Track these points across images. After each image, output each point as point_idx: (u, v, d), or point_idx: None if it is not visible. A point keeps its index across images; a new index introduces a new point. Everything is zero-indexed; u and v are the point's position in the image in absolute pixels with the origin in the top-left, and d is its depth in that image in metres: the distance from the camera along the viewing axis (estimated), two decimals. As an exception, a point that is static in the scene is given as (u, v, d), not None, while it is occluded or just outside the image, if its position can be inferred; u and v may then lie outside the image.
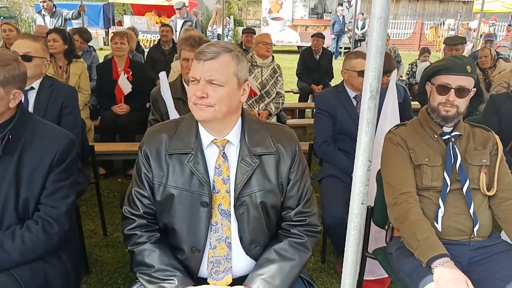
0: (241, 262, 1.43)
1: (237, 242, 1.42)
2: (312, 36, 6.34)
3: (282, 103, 4.24)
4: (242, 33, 6.35)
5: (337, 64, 10.91)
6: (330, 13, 17.70)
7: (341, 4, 16.52)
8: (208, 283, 1.41)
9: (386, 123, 2.28)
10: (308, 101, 6.16)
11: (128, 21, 17.89)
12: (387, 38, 6.30)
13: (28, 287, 1.44)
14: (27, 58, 2.27)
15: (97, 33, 17.88)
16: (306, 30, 17.25)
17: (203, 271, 1.43)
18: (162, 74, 2.35)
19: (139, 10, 19.39)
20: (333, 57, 7.26)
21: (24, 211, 1.55)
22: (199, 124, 1.45)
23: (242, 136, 1.44)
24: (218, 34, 10.19)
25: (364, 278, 2.37)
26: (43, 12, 6.58)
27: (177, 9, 7.74)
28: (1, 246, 1.45)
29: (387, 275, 2.39)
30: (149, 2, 18.03)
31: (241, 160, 1.41)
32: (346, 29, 15.96)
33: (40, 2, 6.64)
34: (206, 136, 1.43)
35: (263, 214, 1.42)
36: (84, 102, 4.00)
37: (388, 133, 1.85)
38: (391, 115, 2.26)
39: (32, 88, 2.36)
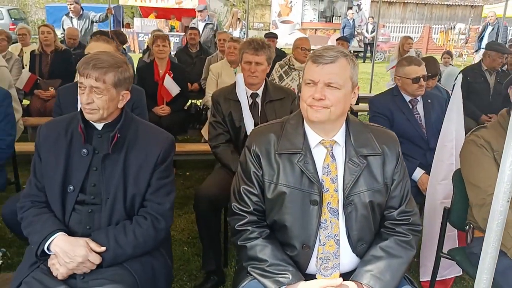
0: (347, 259, 1.49)
1: (345, 240, 1.47)
2: (337, 40, 6.41)
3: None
4: (265, 37, 6.40)
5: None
6: (340, 16, 17.82)
7: (351, 8, 16.64)
8: (316, 279, 1.47)
9: (450, 125, 2.34)
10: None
11: (138, 23, 17.97)
12: (411, 42, 6.38)
13: (141, 279, 1.50)
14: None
15: (107, 35, 17.98)
16: (315, 33, 17.36)
17: (312, 267, 1.48)
18: (240, 76, 2.40)
19: (148, 13, 19.50)
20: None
21: (131, 207, 1.61)
22: (305, 125, 1.51)
23: (348, 137, 1.50)
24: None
25: (426, 279, 2.43)
26: (70, 14, 6.65)
27: (198, 11, 7.81)
28: (116, 241, 1.51)
29: (450, 276, 2.45)
30: (158, 5, 18.22)
31: (348, 161, 1.47)
32: (355, 33, 16.04)
33: (68, 4, 6.71)
34: (313, 137, 1.49)
35: (371, 213, 1.47)
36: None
37: (470, 135, 1.91)
38: (456, 118, 2.31)
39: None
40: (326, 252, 1.46)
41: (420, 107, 2.73)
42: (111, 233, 1.53)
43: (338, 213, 1.46)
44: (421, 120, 2.71)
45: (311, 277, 1.47)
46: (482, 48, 8.85)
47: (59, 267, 1.48)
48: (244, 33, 10.65)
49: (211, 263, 2.35)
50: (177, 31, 17.74)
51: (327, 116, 1.41)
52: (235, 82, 2.70)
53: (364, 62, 15.40)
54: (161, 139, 1.67)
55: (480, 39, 9.76)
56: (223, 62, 4.27)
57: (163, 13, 18.76)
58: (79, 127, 1.61)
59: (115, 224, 1.58)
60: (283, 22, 17.08)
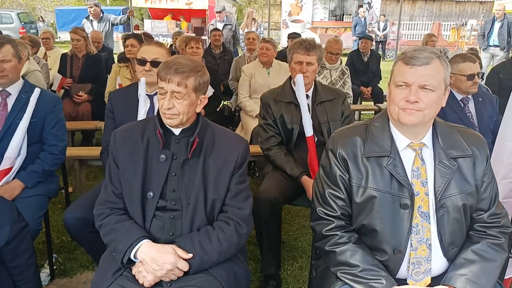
0: (438, 263, 1.46)
1: (437, 244, 1.44)
2: (360, 39, 6.36)
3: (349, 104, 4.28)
4: (288, 38, 6.38)
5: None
6: (350, 15, 17.76)
7: (361, 6, 16.55)
8: (407, 284, 1.44)
9: (510, 124, 2.29)
10: (357, 104, 6.18)
11: (148, 25, 18.00)
12: (435, 39, 6.32)
13: (227, 285, 1.48)
14: (156, 64, 2.31)
15: (117, 37, 18.08)
16: (326, 32, 17.29)
17: (402, 272, 1.45)
18: (299, 77, 2.37)
19: (157, 14, 19.52)
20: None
21: (211, 213, 1.59)
22: (391, 127, 1.48)
23: (435, 139, 1.47)
24: (247, 37, 10.23)
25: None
26: (90, 17, 6.65)
27: (217, 12, 7.79)
28: (202, 248, 1.49)
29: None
30: (168, 6, 18.22)
31: (438, 163, 1.44)
32: (367, 31, 15.96)
33: (88, 8, 6.72)
34: (401, 140, 1.46)
35: (463, 216, 1.44)
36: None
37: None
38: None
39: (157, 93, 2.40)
40: (418, 257, 1.43)
41: (471, 106, 2.69)
42: (195, 239, 1.51)
43: (429, 217, 1.43)
44: (473, 119, 2.67)
45: (402, 282, 1.45)
46: (491, 46, 8.37)
47: (146, 274, 1.46)
48: (260, 33, 10.65)
49: (271, 267, 2.33)
50: (187, 32, 17.77)
51: (421, 119, 1.38)
52: (284, 83, 2.69)
53: (376, 60, 15.31)
54: (237, 144, 1.65)
55: (488, 36, 8.63)
56: (255, 63, 4.24)
57: (177, 15, 18.79)
58: (158, 132, 1.59)
59: (196, 230, 1.56)
60: (293, 21, 17.03)
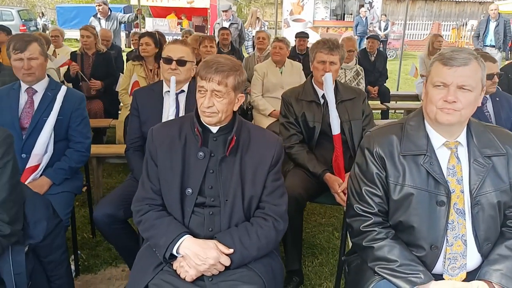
0: (472, 258, 1.50)
1: (472, 240, 1.48)
2: (367, 38, 6.40)
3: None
4: (296, 37, 6.39)
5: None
6: (351, 14, 17.80)
7: (362, 6, 16.60)
8: (443, 279, 1.48)
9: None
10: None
11: (149, 23, 17.97)
12: (441, 39, 6.36)
13: (266, 280, 1.52)
14: (181, 62, 2.34)
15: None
16: (327, 31, 17.33)
17: (438, 268, 1.49)
18: (329, 76, 2.40)
19: (158, 13, 19.50)
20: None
21: (248, 209, 1.62)
22: (426, 126, 1.52)
23: (470, 138, 1.51)
24: (253, 36, 10.23)
25: None
26: (98, 15, 6.66)
27: (223, 11, 7.81)
28: (241, 243, 1.53)
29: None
30: (170, 4, 18.21)
31: (473, 161, 1.47)
32: (368, 30, 16.01)
33: (96, 5, 6.72)
34: (437, 138, 1.50)
35: (498, 213, 1.48)
36: (172, 105, 4.08)
37: None
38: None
39: (183, 91, 2.43)
40: (454, 253, 1.47)
41: (489, 106, 2.74)
42: (235, 235, 1.54)
43: (465, 214, 1.47)
44: (491, 118, 2.71)
45: (437, 277, 1.48)
46: (487, 46, 8.15)
47: (189, 269, 1.49)
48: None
49: (295, 263, 2.36)
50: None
51: (458, 118, 1.42)
52: (305, 82, 2.72)
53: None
54: (273, 142, 1.68)
55: (484, 36, 8.40)
56: (268, 62, 4.27)
57: (169, 12, 18.76)
58: (196, 130, 1.62)
59: (234, 225, 1.59)
60: (295, 20, 17.06)
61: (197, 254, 1.48)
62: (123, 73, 5.47)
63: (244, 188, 1.61)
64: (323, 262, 2.67)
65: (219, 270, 1.50)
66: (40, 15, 18.49)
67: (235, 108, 1.64)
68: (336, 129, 2.41)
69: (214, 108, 1.57)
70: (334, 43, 2.52)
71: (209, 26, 18.49)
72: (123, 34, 18.63)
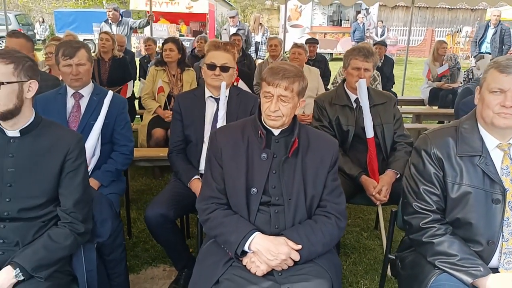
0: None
1: None
2: (374, 44, 6.55)
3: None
4: (306, 43, 6.52)
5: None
6: (348, 20, 18.06)
7: (359, 12, 16.87)
8: (498, 272, 1.58)
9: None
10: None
11: (148, 28, 17.95)
12: (445, 46, 6.53)
13: (332, 275, 1.60)
14: (225, 68, 2.43)
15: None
16: (324, 37, 17.54)
17: (494, 262, 1.59)
18: (363, 82, 2.50)
19: (157, 18, 19.55)
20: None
21: (310, 207, 1.72)
22: (480, 129, 1.63)
23: None
24: (256, 41, 10.37)
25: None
26: (109, 21, 6.72)
27: (230, 17, 7.93)
28: (308, 240, 1.61)
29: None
30: (168, 9, 18.28)
31: None
32: (365, 36, 16.27)
33: (107, 11, 6.79)
34: (491, 140, 1.60)
35: None
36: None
37: None
38: None
39: (225, 96, 2.52)
40: (509, 248, 1.57)
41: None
42: (302, 232, 1.63)
43: None
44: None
45: (493, 270, 1.58)
46: (482, 53, 8.00)
47: (260, 264, 1.57)
48: (266, 38, 10.79)
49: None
50: (187, 35, 17.85)
51: None
52: (338, 87, 2.82)
53: (374, 65, 15.61)
54: (331, 144, 1.78)
55: (480, 43, 8.25)
56: (286, 67, 4.37)
57: (170, 17, 18.83)
58: (260, 133, 1.71)
59: (297, 223, 1.68)
60: (292, 26, 17.25)
61: (269, 250, 1.56)
62: (135, 78, 5.56)
63: (306, 187, 1.70)
64: (356, 261, 2.76)
65: (289, 265, 1.58)
66: (40, 20, 18.38)
67: (297, 112, 1.74)
68: (370, 133, 2.52)
69: (280, 112, 1.66)
70: (369, 51, 2.63)
71: (207, 31, 18.64)
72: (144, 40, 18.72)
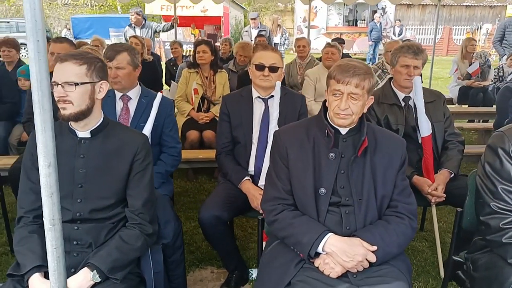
0: None
1: None
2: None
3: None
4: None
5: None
6: (364, 20, 17.94)
7: (375, 11, 16.75)
8: None
9: None
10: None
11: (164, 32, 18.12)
12: (474, 43, 6.41)
13: (407, 278, 1.56)
14: (273, 69, 2.40)
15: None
16: (340, 37, 17.45)
17: None
18: (418, 79, 2.46)
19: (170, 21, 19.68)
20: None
21: (380, 208, 1.67)
22: None
23: None
24: (274, 43, 10.36)
25: None
26: (133, 25, 6.77)
27: (251, 19, 7.92)
28: (383, 240, 1.57)
29: None
30: (183, 13, 18.38)
31: None
32: (382, 36, 16.12)
33: (130, 15, 6.85)
34: None
35: None
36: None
37: None
38: None
39: (272, 96, 2.49)
40: None
41: None
42: (375, 232, 1.59)
43: None
44: None
45: None
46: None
47: (334, 265, 1.54)
48: (285, 39, 10.78)
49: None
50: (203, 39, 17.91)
51: None
52: (384, 85, 2.77)
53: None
54: (399, 143, 1.74)
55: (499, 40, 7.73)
56: (319, 67, 4.35)
57: (185, 21, 18.92)
58: (328, 132, 1.67)
59: (368, 224, 1.64)
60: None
61: (344, 251, 1.53)
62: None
63: (376, 187, 1.66)
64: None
65: (364, 266, 1.54)
66: (67, 26, 18.53)
67: (365, 110, 1.70)
68: (425, 131, 2.47)
69: (349, 110, 1.62)
70: (418, 48, 2.58)
71: (222, 34, 18.70)
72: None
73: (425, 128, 2.45)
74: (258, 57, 2.45)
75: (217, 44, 16.81)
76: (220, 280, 2.53)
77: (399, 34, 15.75)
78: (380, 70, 4.35)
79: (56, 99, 1.55)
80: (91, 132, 1.63)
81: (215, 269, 2.64)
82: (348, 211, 1.65)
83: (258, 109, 2.50)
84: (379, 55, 16.06)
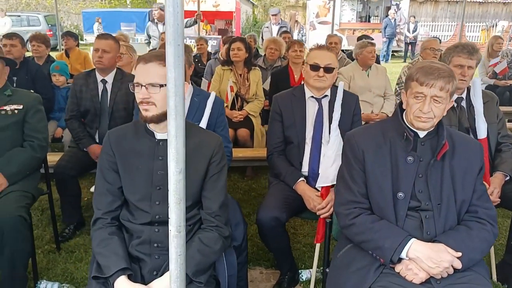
0: None
1: None
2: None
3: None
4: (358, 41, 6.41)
5: (391, 67, 10.77)
6: (377, 16, 17.79)
7: (389, 8, 16.61)
8: None
9: None
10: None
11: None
12: (501, 41, 6.33)
13: (490, 283, 1.54)
14: (329, 69, 2.37)
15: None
16: (353, 33, 17.31)
17: None
18: (477, 80, 2.42)
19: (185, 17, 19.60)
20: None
21: (459, 213, 1.65)
22: None
23: None
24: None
25: None
26: (156, 20, 6.75)
27: (272, 15, 7.87)
28: (467, 246, 1.55)
29: None
30: (195, 8, 18.29)
31: None
32: (396, 32, 15.99)
33: (153, 11, 6.82)
34: None
35: None
36: (260, 109, 4.14)
37: None
38: None
39: (326, 95, 2.47)
40: None
41: None
42: (458, 238, 1.57)
43: None
44: None
45: None
46: None
47: (418, 271, 1.52)
48: (303, 35, 10.71)
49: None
50: (213, 34, 17.84)
51: None
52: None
53: (404, 61, 15.37)
54: (477, 146, 1.72)
55: None
56: (353, 65, 4.30)
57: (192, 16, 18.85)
58: (407, 135, 1.65)
59: (448, 229, 1.62)
60: (321, 23, 17.10)
61: (430, 257, 1.50)
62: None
63: (456, 192, 1.63)
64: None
65: (449, 273, 1.52)
66: (99, 21, 18.36)
67: (445, 113, 1.67)
68: (483, 133, 2.43)
69: (431, 114, 1.59)
70: (473, 47, 2.53)
71: (233, 30, 18.62)
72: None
73: (482, 130, 2.41)
74: (313, 57, 2.42)
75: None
76: (270, 281, 2.52)
77: (414, 31, 15.60)
78: (414, 69, 4.30)
79: (139, 100, 1.53)
80: None
81: (263, 269, 2.64)
82: (428, 216, 1.62)
83: (311, 109, 2.47)
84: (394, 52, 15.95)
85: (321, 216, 2.25)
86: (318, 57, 2.40)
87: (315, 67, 2.38)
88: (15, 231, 2.02)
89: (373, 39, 6.21)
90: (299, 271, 2.55)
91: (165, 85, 1.52)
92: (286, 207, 2.22)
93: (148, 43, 6.96)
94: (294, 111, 2.47)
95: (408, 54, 16.08)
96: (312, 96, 2.46)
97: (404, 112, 1.71)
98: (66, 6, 22.61)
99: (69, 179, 2.87)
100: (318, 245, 2.37)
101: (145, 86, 1.51)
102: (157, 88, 1.51)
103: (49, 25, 18.59)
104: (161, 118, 1.54)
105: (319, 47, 2.47)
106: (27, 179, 2.30)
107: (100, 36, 2.98)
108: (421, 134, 1.68)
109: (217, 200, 1.61)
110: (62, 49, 6.08)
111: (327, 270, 1.91)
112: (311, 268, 2.62)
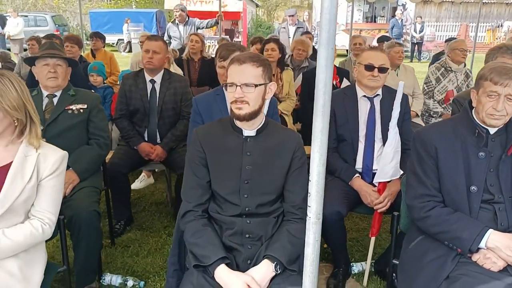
0: None
1: None
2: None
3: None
4: (378, 41, 6.53)
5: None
6: (383, 16, 17.92)
7: (395, 8, 16.74)
8: None
9: None
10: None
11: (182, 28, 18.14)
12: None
13: None
14: (383, 70, 2.46)
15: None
16: (360, 33, 17.43)
17: None
18: None
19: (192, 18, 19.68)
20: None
21: None
22: None
23: None
24: (303, 39, 10.39)
25: None
26: (176, 21, 6.83)
27: (289, 16, 7.95)
28: None
29: None
30: (203, 8, 18.39)
31: None
32: (403, 33, 16.10)
33: (174, 11, 6.90)
34: None
35: None
36: (292, 108, 4.23)
37: None
38: None
39: (378, 95, 2.56)
40: None
41: None
42: None
43: None
44: None
45: None
46: None
47: (496, 260, 1.61)
48: (315, 36, 10.80)
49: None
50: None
51: None
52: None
53: (411, 61, 15.50)
54: None
55: None
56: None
57: (203, 16, 18.90)
58: (479, 131, 1.74)
59: None
60: (328, 23, 17.18)
61: (508, 247, 1.59)
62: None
63: None
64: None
65: None
66: (128, 22, 18.21)
67: None
68: None
69: (504, 112, 1.68)
70: (517, 48, 2.63)
71: (240, 30, 18.72)
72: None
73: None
74: (367, 57, 2.50)
75: (237, 40, 16.77)
76: (323, 274, 2.61)
77: (420, 31, 15.70)
78: (443, 68, 4.39)
79: (232, 99, 1.62)
80: (256, 130, 1.70)
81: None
82: (501, 208, 1.72)
83: (363, 107, 2.56)
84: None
85: (379, 211, 2.34)
86: (372, 57, 2.48)
87: (369, 67, 2.47)
88: (90, 225, 2.11)
89: (390, 39, 6.32)
90: (352, 263, 2.64)
91: (259, 85, 1.62)
92: (345, 202, 2.31)
93: (169, 43, 7.04)
94: (347, 110, 2.56)
95: (415, 54, 16.21)
96: (364, 96, 2.55)
97: (473, 110, 1.80)
98: (73, 7, 22.65)
99: (121, 176, 2.96)
100: (373, 239, 2.46)
101: (239, 86, 1.59)
102: (252, 88, 1.59)
103: (56, 25, 18.68)
104: (252, 116, 1.63)
105: (373, 48, 2.57)
106: (94, 175, 2.39)
107: (150, 38, 3.06)
108: (492, 130, 1.77)
109: (300, 194, 1.70)
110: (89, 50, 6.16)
111: (396, 261, 2.00)
112: (359, 261, 2.72)
